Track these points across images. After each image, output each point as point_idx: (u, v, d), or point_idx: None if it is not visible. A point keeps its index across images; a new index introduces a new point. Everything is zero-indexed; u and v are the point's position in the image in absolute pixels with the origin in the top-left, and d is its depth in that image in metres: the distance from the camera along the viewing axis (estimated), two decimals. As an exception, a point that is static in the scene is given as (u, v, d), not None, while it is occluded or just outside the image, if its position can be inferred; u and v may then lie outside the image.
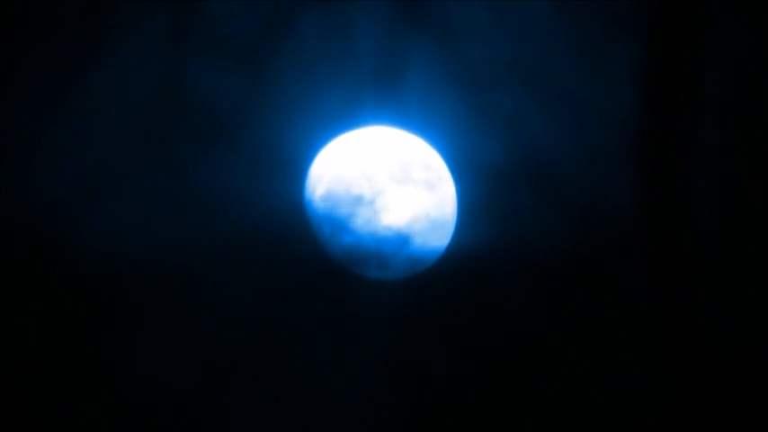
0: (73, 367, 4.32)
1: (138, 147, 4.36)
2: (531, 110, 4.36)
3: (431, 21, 4.34)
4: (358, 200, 4.18)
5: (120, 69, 4.37)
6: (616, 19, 4.36)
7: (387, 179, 4.19)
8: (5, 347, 4.30)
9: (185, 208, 4.34)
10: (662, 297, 4.35)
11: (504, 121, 4.35)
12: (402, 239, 4.21)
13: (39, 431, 4.29)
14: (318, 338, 4.34)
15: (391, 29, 4.33)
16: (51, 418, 4.30)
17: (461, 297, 4.35)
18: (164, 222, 4.35)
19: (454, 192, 4.29)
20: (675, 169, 4.38)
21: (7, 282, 4.31)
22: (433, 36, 4.34)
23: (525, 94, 4.36)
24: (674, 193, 4.37)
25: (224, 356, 4.34)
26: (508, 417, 4.36)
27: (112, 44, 4.36)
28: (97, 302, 4.33)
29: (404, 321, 4.35)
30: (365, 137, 4.27)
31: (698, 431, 4.31)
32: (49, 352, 4.31)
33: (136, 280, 4.33)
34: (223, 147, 4.35)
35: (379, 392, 4.34)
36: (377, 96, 4.32)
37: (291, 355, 4.34)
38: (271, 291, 4.32)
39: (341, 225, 4.20)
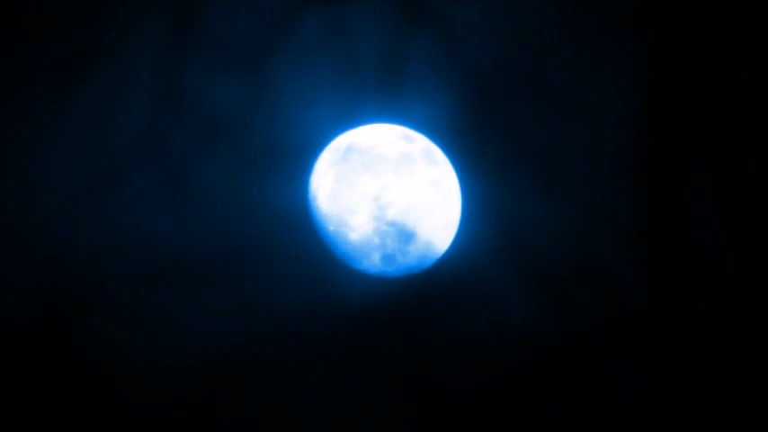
0: (71, 367, 4.30)
1: (140, 148, 4.36)
2: (530, 110, 4.37)
3: (431, 20, 4.36)
4: (362, 196, 4.19)
5: (120, 71, 4.37)
6: (617, 20, 4.38)
7: (391, 176, 4.20)
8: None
9: (187, 208, 4.34)
10: (662, 297, 4.35)
11: (504, 121, 4.37)
12: (406, 236, 4.21)
13: (36, 430, 4.27)
14: (321, 335, 4.33)
15: (391, 28, 4.34)
16: (49, 417, 4.28)
17: (464, 294, 4.35)
18: (166, 223, 4.34)
19: (458, 188, 4.30)
20: (676, 171, 4.39)
21: (4, 279, 4.29)
22: (433, 35, 4.35)
23: (525, 95, 4.37)
24: (675, 194, 4.38)
25: (225, 355, 4.32)
26: (508, 417, 4.35)
27: (113, 46, 4.36)
28: (96, 304, 4.32)
29: (407, 318, 4.35)
30: (368, 134, 4.28)
31: (698, 431, 4.31)
32: (48, 351, 4.29)
33: (137, 281, 4.32)
34: (225, 147, 4.35)
35: (380, 390, 4.34)
36: (379, 95, 4.33)
37: (294, 352, 4.34)
38: (274, 289, 4.32)
39: (345, 222, 4.21)
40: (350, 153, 4.24)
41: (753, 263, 4.35)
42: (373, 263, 4.24)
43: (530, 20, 4.37)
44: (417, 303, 4.34)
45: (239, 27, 4.38)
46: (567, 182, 4.38)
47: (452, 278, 4.34)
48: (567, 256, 4.37)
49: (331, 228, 4.23)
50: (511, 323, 4.35)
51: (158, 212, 4.34)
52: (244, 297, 4.32)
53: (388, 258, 4.23)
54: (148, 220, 4.34)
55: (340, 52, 4.35)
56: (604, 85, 4.39)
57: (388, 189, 4.19)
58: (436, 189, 4.26)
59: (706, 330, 4.33)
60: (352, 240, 4.21)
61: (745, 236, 4.36)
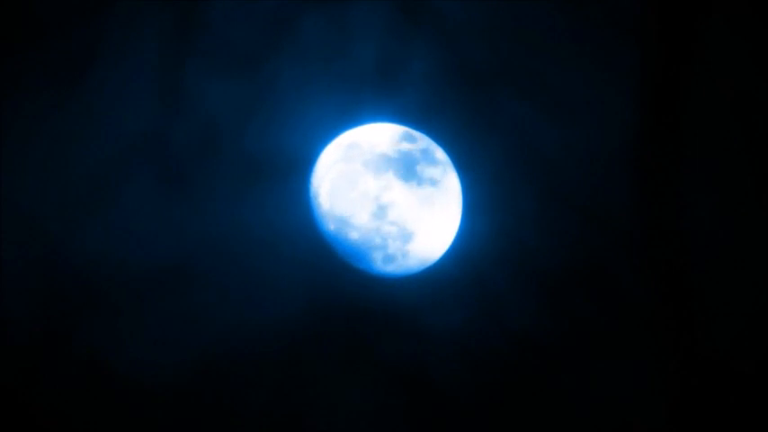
0: (71, 368, 4.30)
1: (139, 148, 4.36)
2: (530, 110, 4.38)
3: (431, 20, 4.36)
4: (362, 196, 4.19)
5: (120, 72, 4.37)
6: (617, 20, 4.39)
7: (391, 175, 4.20)
8: (3, 347, 4.29)
9: (187, 210, 4.34)
10: (662, 298, 4.36)
11: (504, 121, 4.37)
12: (407, 236, 4.22)
13: (33, 430, 4.27)
14: (323, 335, 4.33)
15: (391, 28, 4.35)
16: (47, 416, 4.28)
17: (464, 294, 4.36)
18: (165, 224, 4.34)
19: (458, 188, 4.30)
20: (675, 171, 4.39)
21: (4, 279, 4.29)
22: (433, 35, 4.36)
23: (525, 95, 4.38)
24: (675, 194, 4.39)
25: (226, 355, 4.32)
26: (508, 417, 4.35)
27: (113, 45, 4.36)
28: (95, 307, 4.32)
29: (407, 318, 4.35)
30: (368, 134, 4.29)
31: (697, 431, 4.32)
32: (48, 351, 4.29)
33: (137, 282, 4.32)
34: (225, 147, 4.35)
35: (380, 390, 4.34)
36: (379, 94, 4.33)
37: (294, 352, 4.34)
38: (275, 288, 4.32)
39: (345, 221, 4.21)
40: (350, 152, 4.25)
41: (753, 264, 4.36)
42: (374, 262, 4.25)
43: (529, 20, 4.38)
44: (417, 303, 4.34)
45: (239, 27, 4.38)
46: (566, 182, 4.38)
47: (452, 278, 4.34)
48: (566, 256, 4.37)
49: (332, 227, 4.24)
50: (510, 323, 4.35)
51: (158, 211, 4.34)
52: (244, 296, 4.32)
53: (388, 258, 4.24)
54: (148, 219, 4.34)
55: (340, 52, 4.35)
56: (604, 86, 4.39)
57: (388, 188, 4.19)
58: (436, 189, 4.26)
59: (705, 331, 4.34)
60: (353, 240, 4.22)
61: (745, 236, 4.36)
